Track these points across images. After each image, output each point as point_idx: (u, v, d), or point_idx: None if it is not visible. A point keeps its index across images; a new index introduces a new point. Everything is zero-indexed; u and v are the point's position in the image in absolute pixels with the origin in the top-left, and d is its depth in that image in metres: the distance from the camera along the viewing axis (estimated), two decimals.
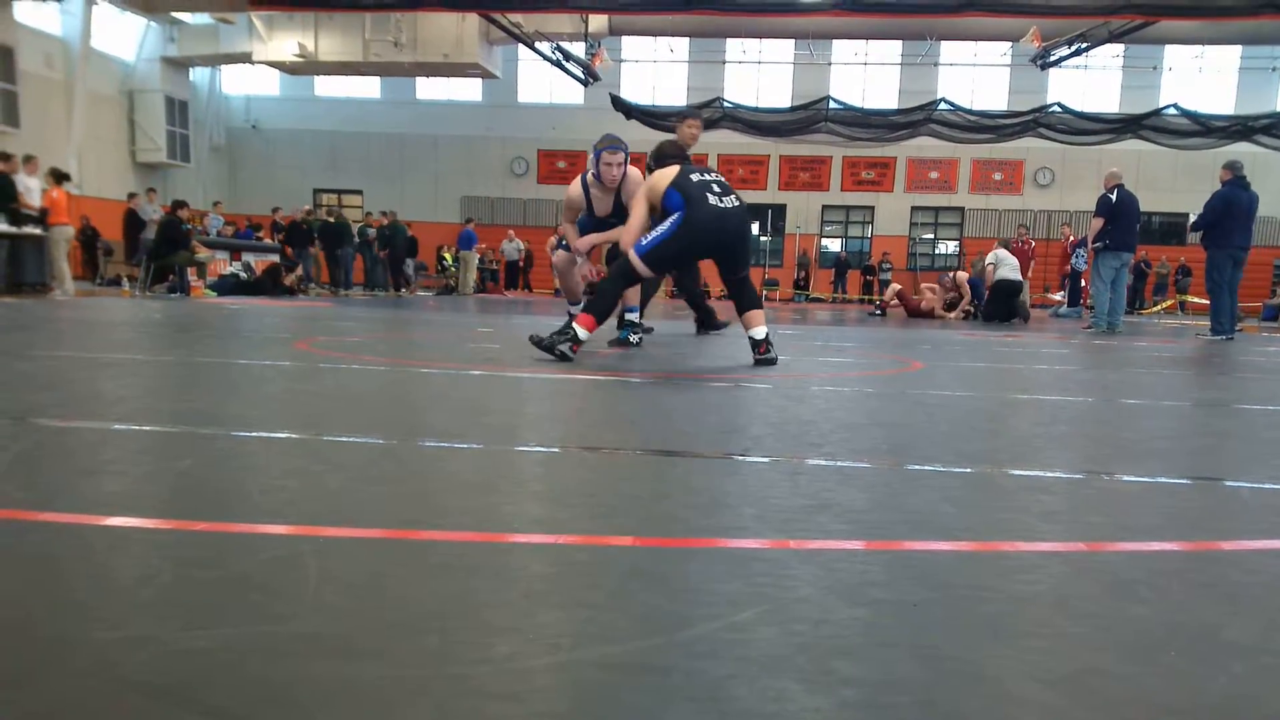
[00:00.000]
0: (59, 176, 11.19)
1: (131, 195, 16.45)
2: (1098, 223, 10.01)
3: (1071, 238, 16.42)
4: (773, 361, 4.56)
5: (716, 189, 4.57)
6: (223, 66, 23.77)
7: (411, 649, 0.99)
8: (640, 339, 5.62)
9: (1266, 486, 2.03)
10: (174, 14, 20.01)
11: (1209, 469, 2.34)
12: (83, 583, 1.20)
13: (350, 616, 1.09)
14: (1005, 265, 12.26)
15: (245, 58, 21.25)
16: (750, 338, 4.64)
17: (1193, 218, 9.83)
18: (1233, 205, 9.23)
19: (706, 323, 7.27)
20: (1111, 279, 10.09)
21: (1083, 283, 15.04)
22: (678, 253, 4.65)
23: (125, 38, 20.71)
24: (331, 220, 17.25)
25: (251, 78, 25.05)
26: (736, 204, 4.60)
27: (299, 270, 15.59)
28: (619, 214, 5.34)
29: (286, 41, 20.40)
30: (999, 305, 12.17)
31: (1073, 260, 15.56)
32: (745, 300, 4.74)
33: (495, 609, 1.13)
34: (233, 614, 1.08)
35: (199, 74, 23.54)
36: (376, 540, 1.41)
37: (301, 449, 2.14)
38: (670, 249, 4.55)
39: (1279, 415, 3.46)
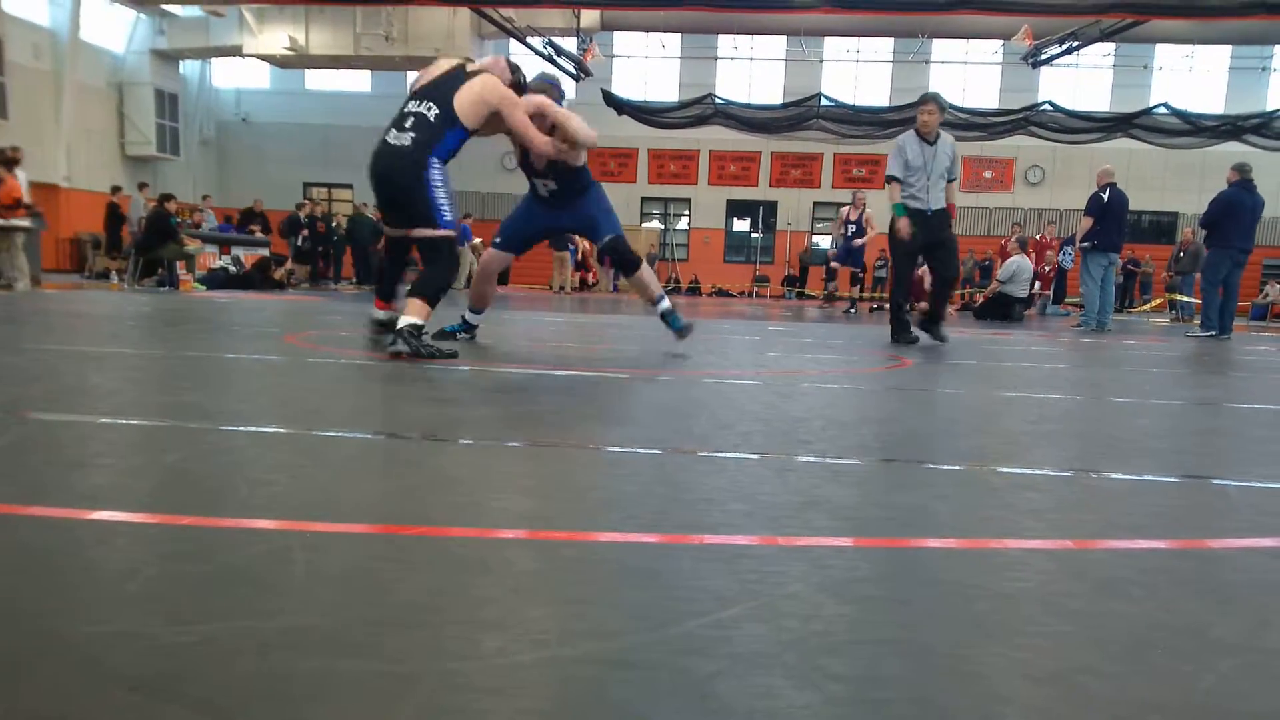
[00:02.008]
0: (7, 162, 10.55)
1: (116, 189, 16.26)
2: (1087, 222, 10.03)
3: (1052, 238, 16.42)
4: (398, 354, 3.96)
5: (407, 123, 4.06)
6: (213, 59, 23.63)
7: (400, 644, 0.99)
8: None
9: (1254, 485, 2.05)
10: (164, 6, 19.88)
11: (1197, 467, 2.35)
12: (70, 577, 1.19)
13: (339, 611, 1.09)
14: (1018, 282, 12.18)
15: (235, 51, 21.13)
16: (392, 321, 4.19)
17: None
18: (1234, 207, 9.26)
19: (898, 335, 6.62)
20: (1100, 277, 10.12)
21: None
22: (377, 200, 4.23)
23: (114, 30, 20.56)
24: (301, 215, 16.78)
25: (242, 71, 24.88)
26: (403, 143, 3.99)
27: (288, 264, 15.50)
28: (555, 174, 4.81)
29: (277, 34, 20.30)
30: (995, 308, 12.16)
31: (1060, 258, 15.62)
32: (419, 282, 4.10)
33: (483, 604, 1.13)
34: (221, 608, 1.08)
35: (189, 67, 23.40)
36: (365, 535, 1.41)
37: (290, 443, 2.13)
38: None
39: (1267, 414, 3.48)
